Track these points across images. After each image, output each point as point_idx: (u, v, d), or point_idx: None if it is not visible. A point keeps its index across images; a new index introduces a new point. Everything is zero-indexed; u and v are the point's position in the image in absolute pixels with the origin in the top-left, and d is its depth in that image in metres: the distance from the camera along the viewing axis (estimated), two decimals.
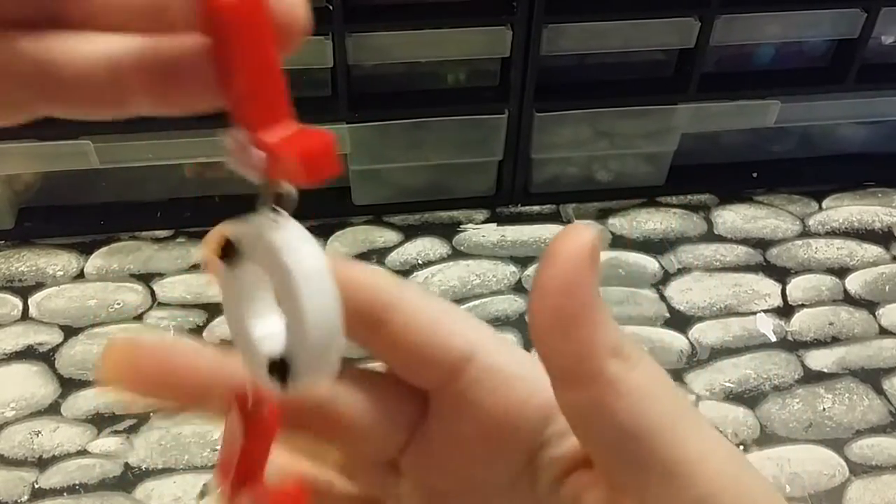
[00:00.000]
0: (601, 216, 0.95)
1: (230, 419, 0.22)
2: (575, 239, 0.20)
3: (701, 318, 0.84)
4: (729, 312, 0.85)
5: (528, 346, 0.81)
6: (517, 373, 0.23)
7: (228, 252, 0.20)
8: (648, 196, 0.97)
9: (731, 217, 0.96)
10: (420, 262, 0.89)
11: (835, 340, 0.83)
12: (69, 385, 0.76)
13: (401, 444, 0.24)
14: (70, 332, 0.80)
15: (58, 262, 0.87)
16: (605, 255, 0.90)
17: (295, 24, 0.18)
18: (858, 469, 0.73)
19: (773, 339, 0.83)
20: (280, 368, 0.19)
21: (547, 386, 0.22)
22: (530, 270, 0.88)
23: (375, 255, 0.89)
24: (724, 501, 0.20)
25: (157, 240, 0.89)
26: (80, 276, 0.86)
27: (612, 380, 0.20)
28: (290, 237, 0.18)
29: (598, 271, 0.20)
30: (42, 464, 0.71)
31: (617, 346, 0.20)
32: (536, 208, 0.96)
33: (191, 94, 0.18)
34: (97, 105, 0.18)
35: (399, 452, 0.25)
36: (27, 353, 0.79)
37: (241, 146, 0.18)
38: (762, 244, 0.93)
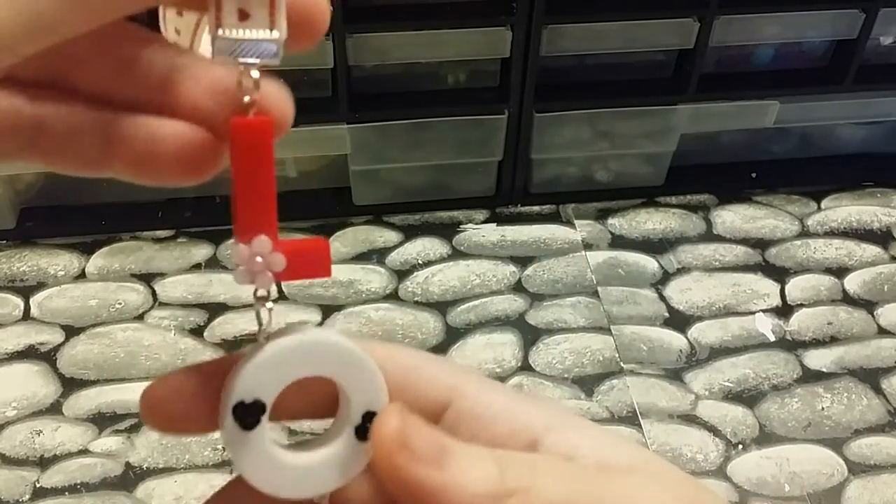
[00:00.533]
0: (601, 216, 0.95)
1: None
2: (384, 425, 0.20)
3: (700, 318, 0.85)
4: (728, 312, 0.85)
5: (527, 346, 0.81)
6: (497, 413, 0.23)
7: (243, 415, 0.20)
8: (648, 196, 0.98)
9: (731, 217, 0.96)
10: (420, 262, 0.89)
11: (833, 340, 0.83)
12: (70, 385, 0.76)
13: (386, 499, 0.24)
14: (71, 331, 0.81)
15: (59, 261, 0.87)
16: (605, 255, 0.90)
17: (319, 15, 0.19)
18: (857, 468, 0.73)
19: (772, 338, 0.83)
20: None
21: (528, 421, 0.22)
22: (530, 270, 0.88)
23: (375, 255, 0.89)
24: None
25: (158, 240, 0.90)
26: (81, 275, 0.86)
27: None
28: (319, 331, 0.21)
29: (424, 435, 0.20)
30: (43, 463, 0.71)
31: (494, 487, 0.19)
32: (536, 208, 0.96)
33: (163, 178, 0.20)
34: (78, 165, 0.20)
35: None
36: (28, 353, 0.79)
37: (257, 254, 0.20)
38: (761, 244, 0.93)
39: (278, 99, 0.20)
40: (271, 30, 0.19)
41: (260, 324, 0.21)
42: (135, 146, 0.19)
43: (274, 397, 0.21)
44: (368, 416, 0.21)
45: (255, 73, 0.19)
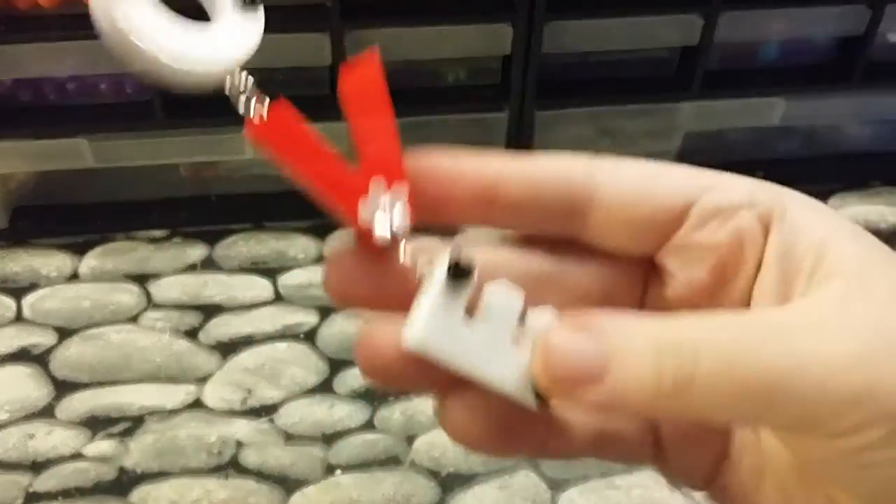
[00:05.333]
0: None
1: None
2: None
3: None
4: None
5: None
6: (748, 197, 0.23)
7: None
8: None
9: None
10: None
11: None
12: (63, 387, 0.75)
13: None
14: (64, 333, 0.79)
15: (52, 262, 0.86)
16: None
17: None
18: None
19: None
20: None
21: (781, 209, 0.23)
22: None
23: None
24: None
25: (153, 240, 0.88)
26: (74, 276, 0.85)
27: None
28: None
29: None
30: (36, 467, 0.70)
31: (653, 391, 0.19)
32: None
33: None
34: None
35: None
36: (20, 355, 0.78)
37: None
38: None
39: None
40: None
41: None
42: None
43: None
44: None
45: None
